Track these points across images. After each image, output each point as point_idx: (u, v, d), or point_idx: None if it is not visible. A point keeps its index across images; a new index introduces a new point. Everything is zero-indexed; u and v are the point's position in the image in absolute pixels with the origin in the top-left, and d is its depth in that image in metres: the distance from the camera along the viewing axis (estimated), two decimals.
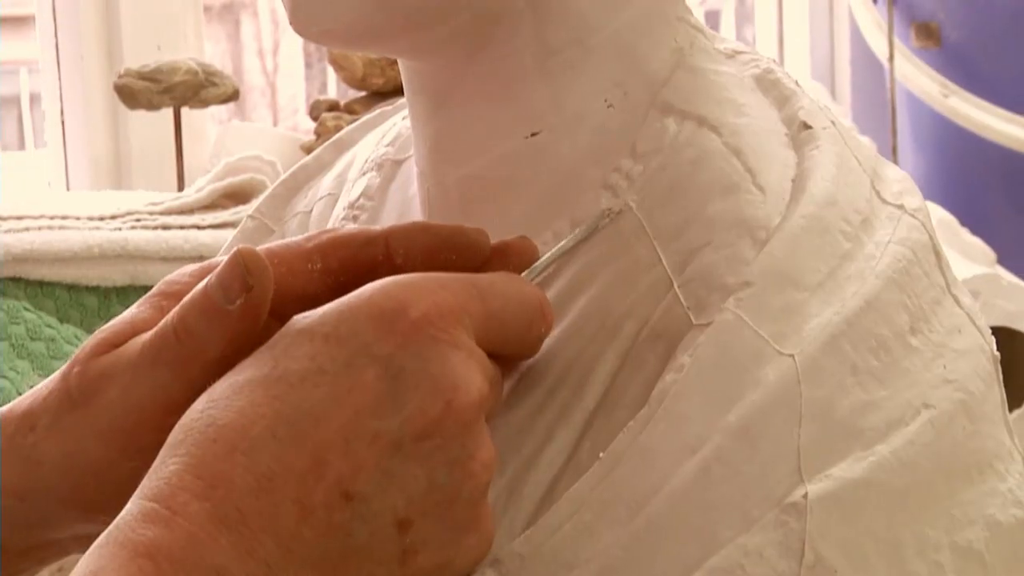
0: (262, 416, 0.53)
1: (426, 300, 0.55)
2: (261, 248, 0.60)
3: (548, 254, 0.61)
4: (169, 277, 0.63)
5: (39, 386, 0.61)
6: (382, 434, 0.53)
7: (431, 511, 0.54)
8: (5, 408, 0.60)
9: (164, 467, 0.52)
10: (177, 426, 0.54)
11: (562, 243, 0.62)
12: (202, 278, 0.58)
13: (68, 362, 0.60)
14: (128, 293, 1.56)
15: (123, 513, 0.52)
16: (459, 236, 0.60)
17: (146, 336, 0.58)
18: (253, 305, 0.56)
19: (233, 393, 0.54)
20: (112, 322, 0.61)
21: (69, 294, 1.54)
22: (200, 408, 0.54)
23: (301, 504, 0.52)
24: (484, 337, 0.56)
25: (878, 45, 2.58)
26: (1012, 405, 1.71)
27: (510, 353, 0.59)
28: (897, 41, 2.50)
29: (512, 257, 0.60)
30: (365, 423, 0.53)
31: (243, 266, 0.56)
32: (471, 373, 0.54)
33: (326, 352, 0.54)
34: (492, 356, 0.57)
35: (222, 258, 0.58)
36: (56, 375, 0.60)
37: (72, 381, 0.59)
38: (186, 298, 0.58)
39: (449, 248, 0.60)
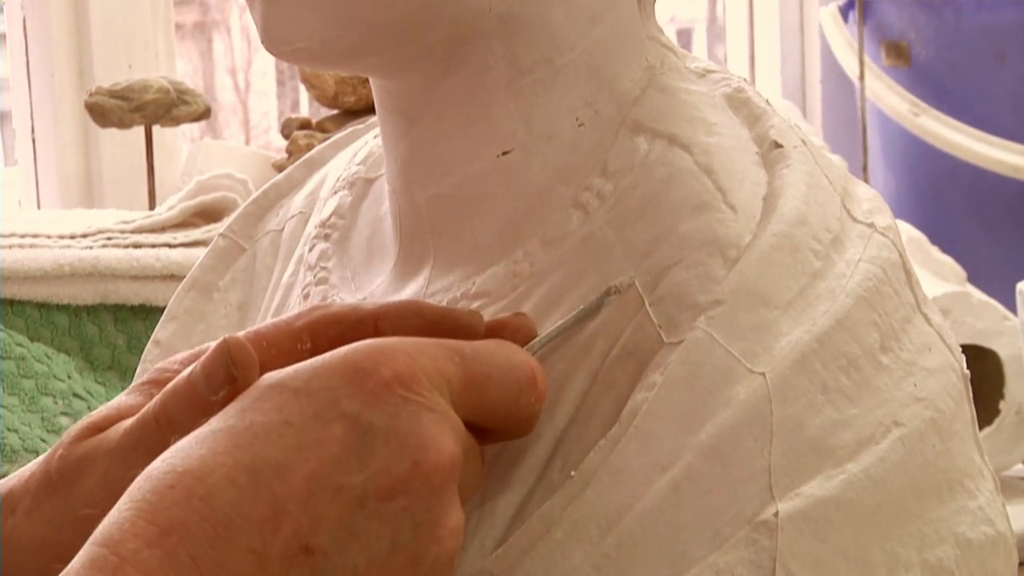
0: (222, 464, 0.51)
1: (400, 361, 0.54)
2: (250, 331, 0.59)
3: (547, 331, 0.60)
4: (160, 364, 0.62)
5: (26, 467, 0.60)
6: (345, 489, 0.52)
7: (393, 574, 0.52)
8: None
9: (119, 512, 0.51)
10: (139, 476, 0.52)
11: (562, 321, 0.60)
12: (191, 365, 0.57)
13: (53, 446, 0.59)
14: (99, 312, 1.55)
15: (74, 560, 0.50)
16: (449, 320, 0.59)
17: (128, 422, 0.58)
18: (237, 395, 0.55)
19: (196, 443, 0.53)
20: (100, 408, 0.60)
21: (40, 313, 1.53)
22: (163, 457, 0.53)
23: (257, 554, 0.50)
24: (464, 403, 0.55)
25: (849, 64, 2.59)
26: (982, 423, 1.72)
27: (497, 423, 0.57)
28: (867, 60, 2.51)
29: (507, 335, 0.59)
30: (329, 476, 0.52)
31: (228, 356, 0.55)
32: (443, 436, 0.53)
33: (295, 405, 0.53)
34: (480, 429, 0.56)
35: (210, 344, 0.57)
36: (41, 457, 0.60)
37: (53, 465, 0.59)
38: (169, 385, 0.57)
39: (440, 330, 0.58)
